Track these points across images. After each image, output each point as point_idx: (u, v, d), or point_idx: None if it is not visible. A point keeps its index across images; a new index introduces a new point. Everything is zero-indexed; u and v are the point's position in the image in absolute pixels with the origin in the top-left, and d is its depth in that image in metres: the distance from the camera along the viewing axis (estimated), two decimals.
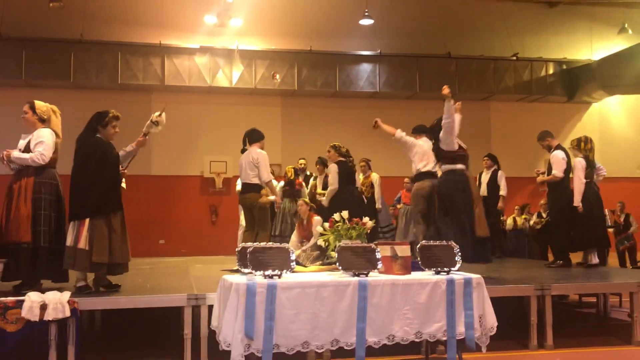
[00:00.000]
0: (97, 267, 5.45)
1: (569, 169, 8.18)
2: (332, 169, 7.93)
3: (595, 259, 8.18)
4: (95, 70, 13.74)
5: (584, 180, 8.12)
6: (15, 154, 5.64)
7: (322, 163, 9.65)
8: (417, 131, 7.90)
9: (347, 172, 7.88)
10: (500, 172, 10.10)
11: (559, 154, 8.21)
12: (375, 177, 10.00)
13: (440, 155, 7.11)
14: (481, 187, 10.03)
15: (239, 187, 10.62)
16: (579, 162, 8.19)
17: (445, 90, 7.15)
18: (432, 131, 7.12)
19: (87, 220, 5.41)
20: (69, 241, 5.41)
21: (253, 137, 8.02)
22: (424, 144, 7.72)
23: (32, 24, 13.50)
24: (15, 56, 13.23)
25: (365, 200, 9.38)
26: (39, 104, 5.84)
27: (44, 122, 5.78)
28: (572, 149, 8.36)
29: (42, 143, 5.63)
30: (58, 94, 12.93)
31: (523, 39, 15.76)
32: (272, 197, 7.98)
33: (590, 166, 8.25)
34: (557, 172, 8.10)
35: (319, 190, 9.34)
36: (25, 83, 13.26)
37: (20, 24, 13.41)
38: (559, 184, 8.21)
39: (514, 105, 16.11)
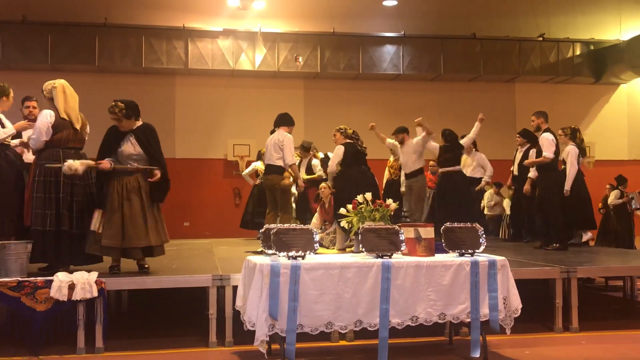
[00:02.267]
0: (108, 250, 5.49)
1: (557, 151, 8.30)
2: (337, 151, 7.88)
3: (586, 236, 8.71)
4: (120, 54, 13.80)
5: (577, 167, 8.31)
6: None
7: (304, 148, 9.70)
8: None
9: (354, 153, 7.79)
10: (532, 151, 9.09)
11: (548, 136, 8.30)
12: None
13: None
14: (514, 166, 9.74)
15: (249, 169, 10.75)
16: (573, 150, 8.34)
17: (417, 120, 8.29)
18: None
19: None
20: (91, 225, 5.47)
21: (283, 120, 8.07)
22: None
23: (57, 8, 13.57)
24: (41, 40, 13.34)
25: (378, 185, 9.36)
26: (44, 87, 5.74)
27: (51, 100, 5.68)
28: (565, 136, 8.53)
29: (35, 127, 5.59)
30: (83, 78, 13.05)
31: (550, 19, 15.46)
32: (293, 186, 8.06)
33: (582, 154, 8.56)
34: (548, 153, 8.19)
35: (303, 176, 9.29)
36: (51, 67, 13.37)
37: (46, 9, 13.49)
38: (549, 167, 8.29)
39: (539, 86, 15.85)
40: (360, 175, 7.57)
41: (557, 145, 8.30)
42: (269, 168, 7.91)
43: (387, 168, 10.20)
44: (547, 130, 8.46)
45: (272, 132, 8.06)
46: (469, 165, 10.17)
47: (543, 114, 8.63)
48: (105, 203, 5.49)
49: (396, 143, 9.32)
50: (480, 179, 10.25)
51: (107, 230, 5.43)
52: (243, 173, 11.19)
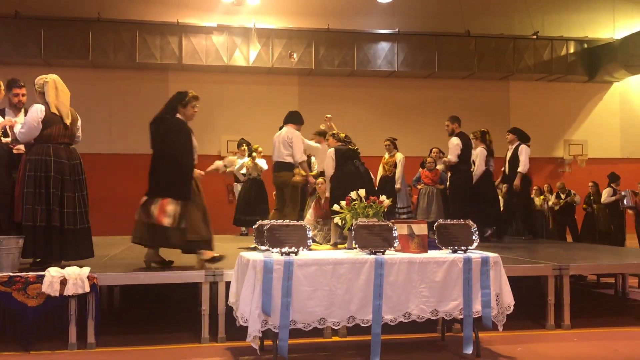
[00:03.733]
0: (195, 245, 5.65)
1: (465, 154, 9.06)
2: (329, 154, 7.92)
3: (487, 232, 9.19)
4: (113, 49, 13.73)
5: (484, 168, 9.16)
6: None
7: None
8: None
9: (344, 152, 7.85)
10: (522, 146, 9.48)
11: (454, 140, 9.07)
12: (399, 157, 9.94)
13: None
14: (505, 164, 9.83)
15: (240, 165, 10.73)
16: (481, 152, 9.17)
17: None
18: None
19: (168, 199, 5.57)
20: (152, 218, 5.53)
21: (292, 117, 8.08)
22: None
23: (50, 3, 13.51)
24: (34, 35, 13.26)
25: (373, 179, 9.35)
26: (36, 81, 5.68)
27: (42, 95, 5.63)
28: (475, 139, 9.33)
29: (25, 122, 5.54)
30: (76, 73, 13.01)
31: (544, 17, 15.50)
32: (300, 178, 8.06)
33: (490, 155, 9.30)
34: (452, 156, 9.06)
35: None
36: (44, 62, 13.30)
37: (39, 3, 13.42)
38: (458, 168, 9.11)
39: (533, 84, 15.88)
40: (354, 170, 7.58)
41: (463, 149, 9.00)
42: (279, 165, 7.88)
43: (381, 165, 10.19)
44: (458, 134, 9.16)
45: (280, 129, 8.04)
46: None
47: (457, 119, 9.28)
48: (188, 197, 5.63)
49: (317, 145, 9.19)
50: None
51: (192, 224, 5.58)
52: (235, 170, 11.14)
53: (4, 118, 5.90)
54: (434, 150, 10.75)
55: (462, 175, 9.10)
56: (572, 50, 15.43)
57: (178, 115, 5.88)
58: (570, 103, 16.05)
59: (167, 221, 5.51)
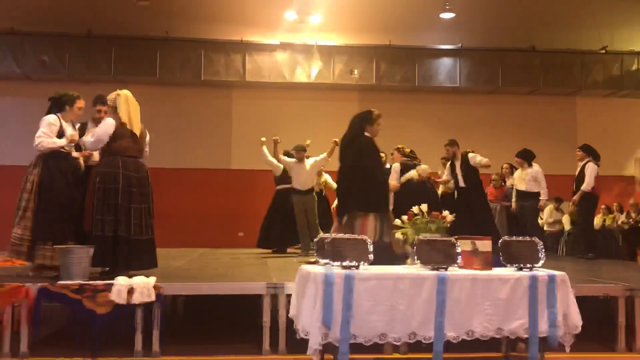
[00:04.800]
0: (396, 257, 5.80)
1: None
2: (395, 168, 8.17)
3: None
4: (180, 66, 14.16)
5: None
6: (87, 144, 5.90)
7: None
8: None
9: (409, 169, 7.91)
10: (589, 164, 9.21)
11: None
12: None
13: None
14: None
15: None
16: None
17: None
18: None
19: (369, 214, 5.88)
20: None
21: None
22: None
23: (120, 22, 14.04)
24: (105, 54, 13.83)
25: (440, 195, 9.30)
26: (109, 96, 5.98)
27: (114, 109, 5.89)
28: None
29: (95, 133, 5.80)
30: (144, 90, 13.35)
31: (613, 31, 15.04)
32: None
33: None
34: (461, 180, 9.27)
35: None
36: (114, 79, 13.80)
37: (110, 23, 13.97)
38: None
39: (602, 100, 15.41)
40: (421, 186, 7.59)
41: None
42: None
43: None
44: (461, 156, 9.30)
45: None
46: (522, 180, 9.84)
47: (456, 143, 9.33)
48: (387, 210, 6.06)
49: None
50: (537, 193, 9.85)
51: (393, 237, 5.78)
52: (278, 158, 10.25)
53: (85, 131, 6.15)
54: (504, 166, 10.56)
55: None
56: None
57: (366, 133, 6.23)
58: None
59: (369, 236, 5.67)
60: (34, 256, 5.79)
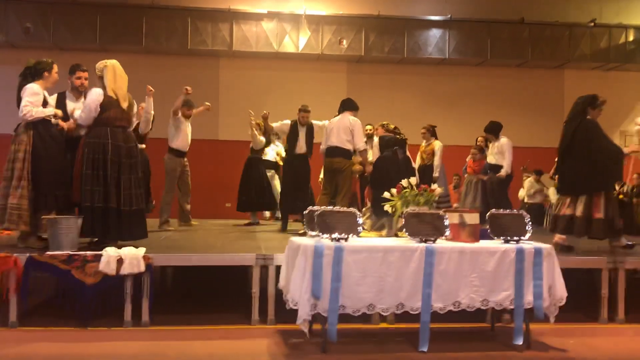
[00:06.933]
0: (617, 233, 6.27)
1: None
2: (375, 143, 8.34)
3: None
4: (166, 35, 13.97)
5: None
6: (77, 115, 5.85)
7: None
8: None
9: (386, 141, 7.97)
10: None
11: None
12: (437, 144, 9.75)
13: None
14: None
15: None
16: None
17: None
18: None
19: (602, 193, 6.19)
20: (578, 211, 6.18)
21: (349, 104, 8.02)
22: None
23: None
24: (90, 22, 13.59)
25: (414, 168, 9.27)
26: (97, 65, 5.90)
27: (101, 79, 5.85)
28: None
29: (84, 105, 5.79)
30: (130, 59, 13.13)
31: (601, 4, 15.01)
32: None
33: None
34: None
35: None
36: (100, 47, 13.61)
37: None
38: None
39: (590, 73, 15.42)
40: (392, 157, 7.64)
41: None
42: (336, 150, 7.75)
43: (419, 153, 10.05)
44: None
45: (336, 116, 8.06)
46: (490, 153, 9.75)
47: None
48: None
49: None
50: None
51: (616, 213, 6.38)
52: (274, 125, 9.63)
53: (65, 101, 6.07)
54: (479, 139, 10.50)
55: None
56: (631, 38, 14.93)
57: (588, 117, 6.48)
58: (628, 93, 15.54)
59: (600, 215, 6.15)
60: (38, 226, 5.75)
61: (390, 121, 8.68)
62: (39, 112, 5.67)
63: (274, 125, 9.18)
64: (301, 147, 8.71)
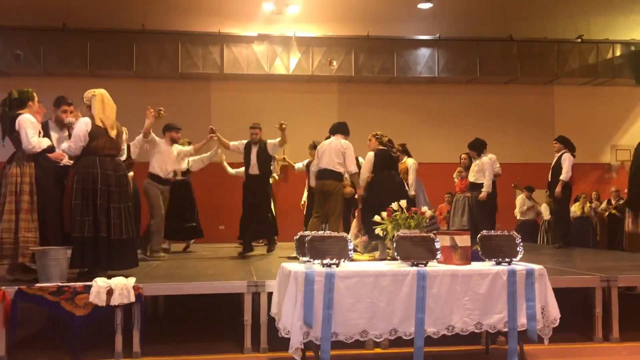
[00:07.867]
0: None
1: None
2: (368, 158, 7.84)
3: None
4: (157, 59, 13.99)
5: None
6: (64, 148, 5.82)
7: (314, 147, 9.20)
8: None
9: (384, 159, 7.75)
10: (565, 155, 9.38)
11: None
12: (409, 162, 9.55)
13: None
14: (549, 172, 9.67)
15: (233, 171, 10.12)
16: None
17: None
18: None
19: None
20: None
21: (341, 128, 8.04)
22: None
23: (96, 15, 13.79)
24: (80, 47, 13.60)
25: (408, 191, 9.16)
26: (85, 94, 5.91)
27: (89, 108, 5.85)
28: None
29: (73, 135, 5.77)
30: (121, 84, 13.25)
31: (589, 20, 15.15)
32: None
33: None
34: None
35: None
36: (90, 73, 13.63)
37: (85, 16, 13.72)
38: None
39: (578, 89, 15.55)
40: (389, 180, 7.53)
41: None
42: (326, 173, 7.76)
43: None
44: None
45: (327, 138, 8.04)
46: (472, 171, 9.73)
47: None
48: None
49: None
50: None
51: None
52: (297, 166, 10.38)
53: (49, 132, 6.05)
54: (462, 155, 10.44)
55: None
56: (618, 53, 15.07)
57: None
58: (617, 107, 15.67)
59: None
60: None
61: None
62: (44, 143, 5.69)
63: (232, 144, 8.92)
64: (253, 167, 8.57)
